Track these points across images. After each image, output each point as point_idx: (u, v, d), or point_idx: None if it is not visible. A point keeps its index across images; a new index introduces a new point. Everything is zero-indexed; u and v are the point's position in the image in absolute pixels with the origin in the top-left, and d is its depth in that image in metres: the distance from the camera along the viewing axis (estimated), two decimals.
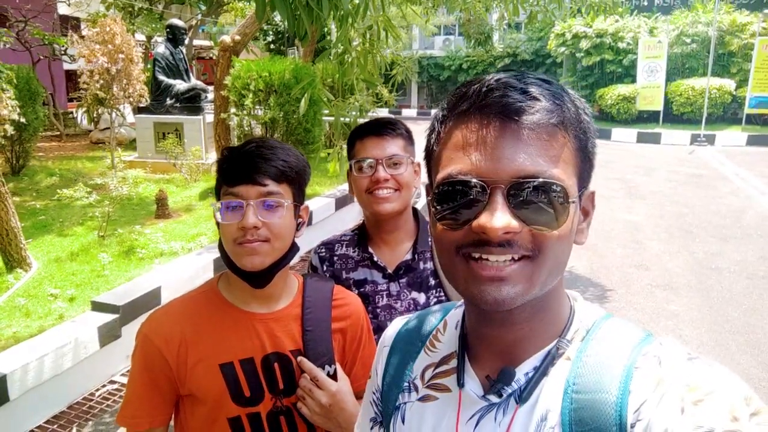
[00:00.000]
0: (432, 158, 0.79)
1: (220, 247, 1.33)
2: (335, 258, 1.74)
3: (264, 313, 1.36)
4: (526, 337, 0.77)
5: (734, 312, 5.28)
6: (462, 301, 0.93)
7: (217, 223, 1.30)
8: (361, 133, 1.67)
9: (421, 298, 1.66)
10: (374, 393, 0.98)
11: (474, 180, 0.69)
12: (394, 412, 0.89)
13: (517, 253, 0.69)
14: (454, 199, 0.71)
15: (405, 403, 0.88)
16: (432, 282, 1.67)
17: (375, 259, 1.69)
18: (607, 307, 5.38)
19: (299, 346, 1.36)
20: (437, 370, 0.87)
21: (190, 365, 1.30)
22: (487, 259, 0.69)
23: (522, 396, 0.74)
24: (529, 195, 0.68)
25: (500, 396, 0.76)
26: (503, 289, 0.69)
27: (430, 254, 1.69)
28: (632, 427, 0.66)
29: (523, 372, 0.76)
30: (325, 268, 1.74)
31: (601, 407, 0.68)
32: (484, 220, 0.67)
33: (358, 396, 1.42)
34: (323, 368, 1.35)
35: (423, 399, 0.86)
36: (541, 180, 0.68)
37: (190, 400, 1.32)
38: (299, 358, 1.35)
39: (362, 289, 1.65)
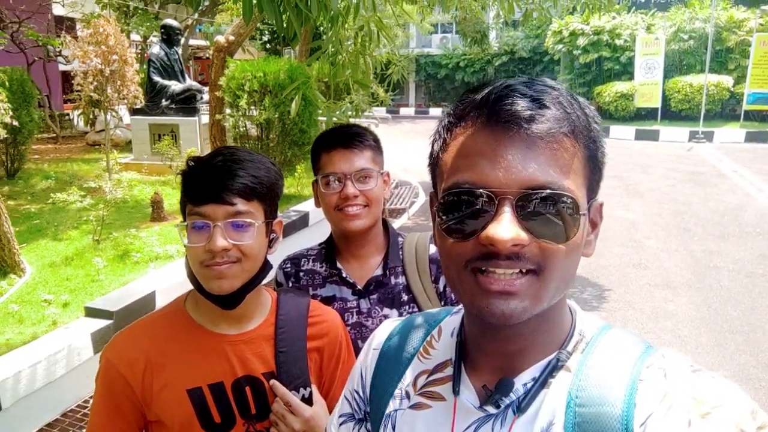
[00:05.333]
0: (437, 166, 0.76)
1: (187, 265, 1.25)
2: (301, 273, 1.66)
3: (234, 334, 1.29)
4: (528, 348, 0.75)
5: (733, 311, 5.25)
6: (457, 308, 0.91)
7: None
8: (327, 145, 1.57)
9: (393, 314, 1.58)
10: (356, 392, 0.95)
11: (481, 190, 0.67)
12: (385, 420, 0.87)
13: (525, 266, 0.67)
14: (461, 208, 0.69)
15: (396, 411, 0.86)
16: (404, 297, 1.60)
17: (344, 275, 1.61)
18: (605, 307, 5.36)
19: (272, 368, 1.30)
20: (431, 378, 0.84)
21: (156, 390, 1.23)
22: (494, 272, 0.67)
23: (520, 407, 0.72)
24: (538, 206, 0.66)
25: (498, 407, 0.74)
26: (511, 303, 0.67)
27: (401, 269, 1.62)
28: None
29: (521, 382, 0.74)
30: (290, 284, 1.66)
31: (606, 421, 0.66)
32: (492, 231, 0.65)
33: None
34: (297, 391, 1.29)
35: (415, 407, 0.84)
36: (551, 191, 0.66)
37: (158, 426, 1.26)
38: (271, 381, 1.28)
39: (331, 307, 1.55)
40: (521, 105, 0.67)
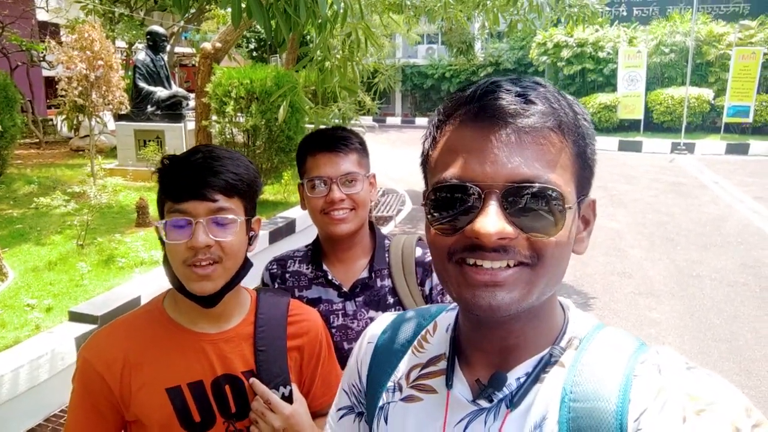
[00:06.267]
0: (428, 164, 0.77)
1: (165, 263, 1.23)
2: (287, 275, 1.66)
3: (213, 333, 1.28)
4: (519, 345, 0.75)
5: (716, 319, 5.32)
6: (453, 305, 0.91)
7: (162, 242, 1.20)
8: (313, 148, 1.57)
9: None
10: (353, 385, 0.96)
11: (468, 184, 0.67)
12: (378, 412, 0.87)
13: (513, 259, 0.67)
14: (449, 203, 0.69)
15: (388, 403, 0.86)
16: (390, 300, 1.59)
17: (330, 276, 1.61)
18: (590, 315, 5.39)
19: (252, 366, 1.29)
20: (424, 371, 0.85)
21: (134, 390, 1.21)
22: (481, 265, 0.67)
23: (513, 401, 0.73)
24: (524, 200, 0.66)
25: (491, 401, 0.75)
26: (498, 294, 0.67)
27: (387, 271, 1.62)
28: None
29: (514, 377, 0.75)
30: (276, 285, 1.66)
31: (600, 416, 0.67)
32: (477, 225, 0.65)
33: (320, 414, 1.36)
34: (277, 389, 1.28)
35: (406, 399, 0.84)
36: (536, 185, 0.66)
37: (137, 426, 1.24)
38: (251, 380, 1.27)
39: (316, 308, 1.55)
40: (507, 100, 0.68)
